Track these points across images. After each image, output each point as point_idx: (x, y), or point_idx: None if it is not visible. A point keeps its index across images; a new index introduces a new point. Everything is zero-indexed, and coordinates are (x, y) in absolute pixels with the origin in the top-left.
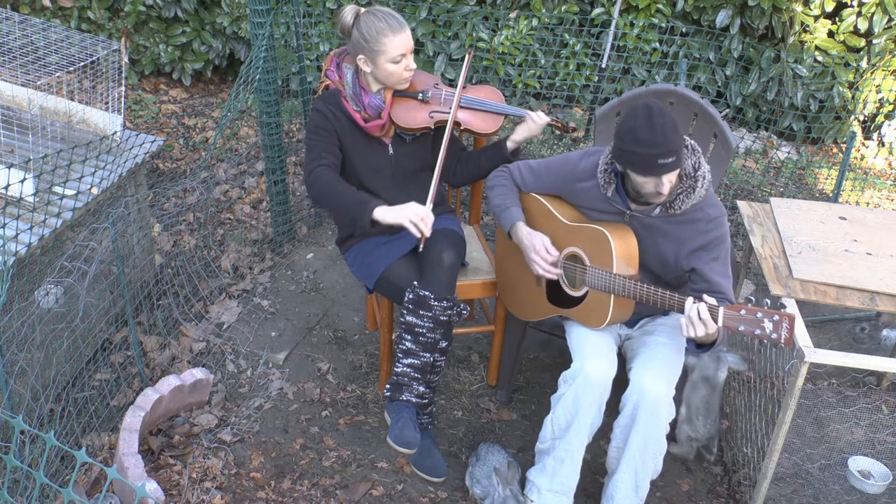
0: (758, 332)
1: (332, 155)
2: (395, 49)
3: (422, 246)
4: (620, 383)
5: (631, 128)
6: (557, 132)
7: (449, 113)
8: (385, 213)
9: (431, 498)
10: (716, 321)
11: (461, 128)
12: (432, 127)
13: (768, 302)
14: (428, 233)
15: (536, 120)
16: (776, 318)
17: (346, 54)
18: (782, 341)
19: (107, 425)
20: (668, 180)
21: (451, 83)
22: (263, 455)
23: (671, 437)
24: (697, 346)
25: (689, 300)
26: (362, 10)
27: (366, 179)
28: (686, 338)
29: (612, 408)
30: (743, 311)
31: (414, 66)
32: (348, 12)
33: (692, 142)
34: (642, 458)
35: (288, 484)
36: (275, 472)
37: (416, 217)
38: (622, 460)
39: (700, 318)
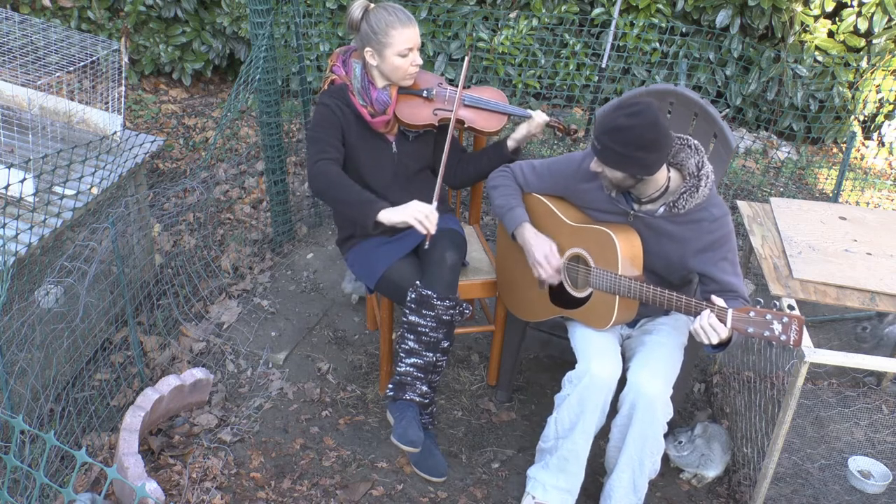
0: (767, 333)
1: (335, 150)
2: (402, 42)
3: (427, 243)
4: (620, 383)
5: (619, 104)
6: (558, 133)
7: (454, 108)
8: (391, 214)
9: (431, 498)
10: (724, 323)
11: (464, 126)
12: (436, 124)
13: (777, 304)
14: (433, 230)
15: (537, 119)
16: (785, 319)
17: (352, 51)
18: (791, 343)
19: (107, 425)
20: (600, 167)
21: (454, 84)
22: (263, 455)
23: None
24: (713, 347)
25: (705, 313)
26: (371, 4)
27: (368, 176)
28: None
29: (612, 407)
30: (752, 314)
31: (420, 61)
32: (357, 7)
33: (695, 141)
34: (640, 458)
35: (288, 484)
36: (275, 472)
37: (420, 215)
38: (620, 459)
39: (709, 324)
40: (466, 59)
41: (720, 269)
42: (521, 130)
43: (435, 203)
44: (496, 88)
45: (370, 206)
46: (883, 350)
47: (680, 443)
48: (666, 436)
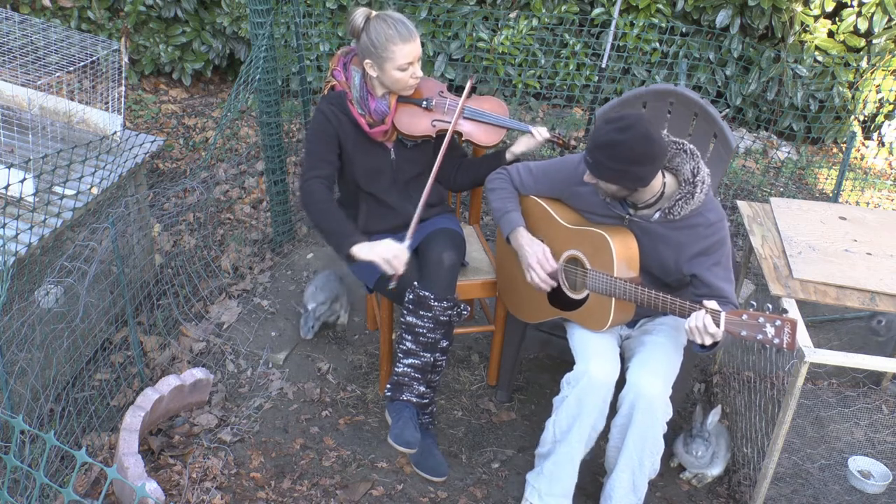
0: (760, 336)
1: (329, 164)
2: (402, 57)
3: (394, 283)
4: (620, 383)
5: (608, 118)
6: (557, 147)
7: (451, 123)
8: (361, 251)
9: (431, 498)
10: (717, 325)
11: (462, 138)
12: (433, 135)
13: (770, 307)
14: (401, 271)
15: (537, 136)
16: (778, 323)
17: (353, 55)
18: (784, 346)
19: (107, 425)
20: (594, 180)
21: (452, 87)
22: (263, 455)
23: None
24: (701, 347)
25: (701, 313)
26: (373, 13)
27: (365, 182)
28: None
29: (612, 407)
30: (745, 317)
31: (420, 73)
32: (359, 15)
33: (691, 146)
34: (640, 458)
35: (288, 484)
36: (275, 472)
37: (388, 254)
38: (619, 460)
39: (707, 331)
40: (469, 83)
41: (713, 274)
42: (522, 145)
43: (408, 241)
44: (498, 100)
45: (346, 239)
46: (887, 346)
47: (707, 443)
48: (675, 439)
